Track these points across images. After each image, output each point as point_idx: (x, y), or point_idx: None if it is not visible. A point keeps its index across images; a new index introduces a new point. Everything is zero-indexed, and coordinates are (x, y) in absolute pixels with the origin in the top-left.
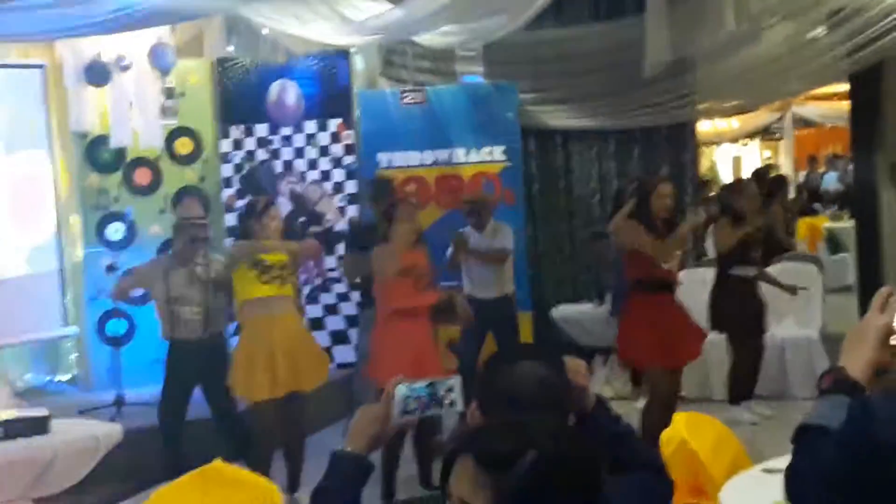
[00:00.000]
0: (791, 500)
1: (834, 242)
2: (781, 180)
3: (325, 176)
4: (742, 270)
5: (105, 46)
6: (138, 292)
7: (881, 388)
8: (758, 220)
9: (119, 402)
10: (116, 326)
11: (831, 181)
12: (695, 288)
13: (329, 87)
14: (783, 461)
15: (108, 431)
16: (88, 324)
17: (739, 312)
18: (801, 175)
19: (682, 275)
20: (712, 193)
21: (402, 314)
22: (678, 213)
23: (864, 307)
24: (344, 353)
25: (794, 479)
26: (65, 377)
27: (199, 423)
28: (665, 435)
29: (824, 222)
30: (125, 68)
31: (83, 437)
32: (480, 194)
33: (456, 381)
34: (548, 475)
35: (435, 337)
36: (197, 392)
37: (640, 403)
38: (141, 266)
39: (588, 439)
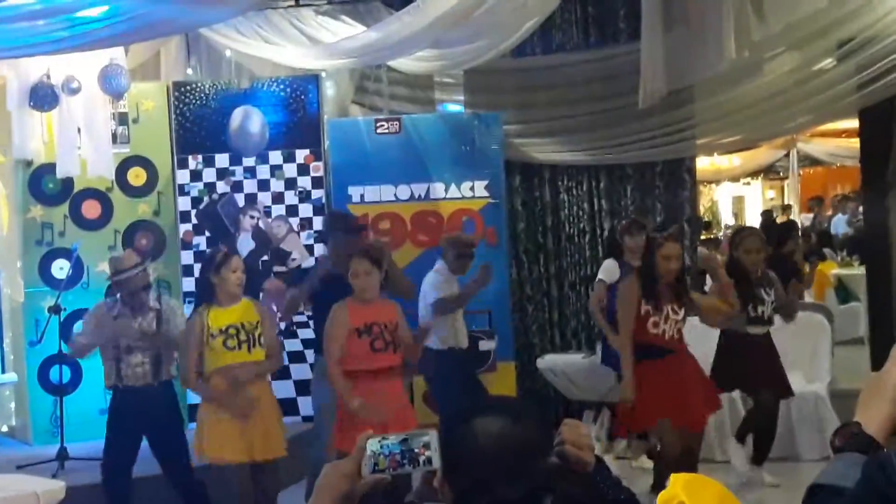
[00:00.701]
0: None
1: (843, 291)
2: (792, 226)
3: (292, 211)
4: (752, 328)
5: (52, 67)
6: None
7: None
8: (765, 277)
9: (62, 456)
10: (60, 373)
11: (840, 224)
12: (698, 338)
13: (297, 115)
14: None
15: (49, 488)
16: (29, 370)
17: (749, 371)
18: (806, 217)
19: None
20: (712, 236)
21: (363, 376)
22: (684, 274)
23: (876, 361)
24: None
25: None
26: (2, 428)
27: (147, 481)
28: (662, 497)
29: (833, 269)
30: (74, 91)
31: (22, 494)
32: (470, 237)
33: (432, 437)
34: None
35: (409, 392)
36: (144, 447)
37: (635, 462)
38: (90, 316)
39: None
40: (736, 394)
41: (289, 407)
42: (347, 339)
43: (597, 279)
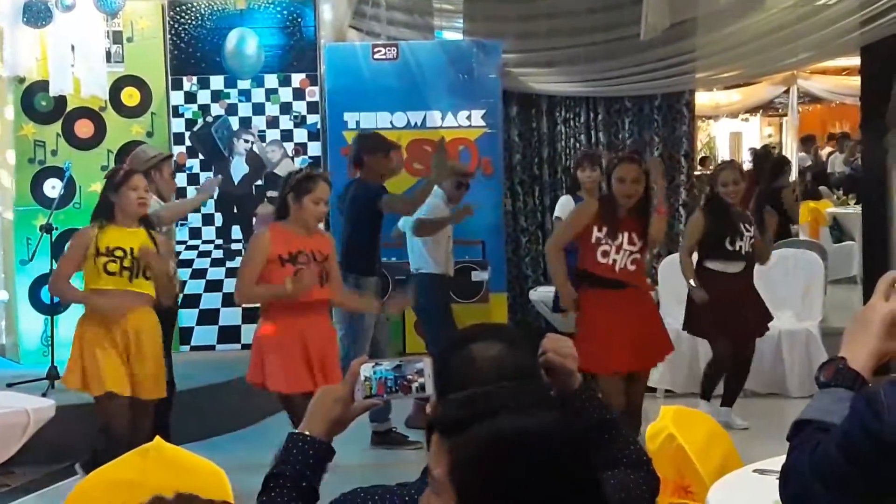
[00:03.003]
0: (787, 502)
1: (838, 229)
2: (784, 162)
3: (287, 136)
4: (721, 265)
5: None
6: None
7: (887, 381)
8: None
9: (52, 375)
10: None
11: (838, 163)
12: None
13: (293, 38)
14: (776, 462)
15: (39, 406)
16: (20, 289)
17: (712, 312)
18: (804, 158)
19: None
20: (708, 171)
21: (284, 309)
22: (650, 198)
23: (868, 300)
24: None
25: (791, 479)
26: None
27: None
28: (652, 429)
29: (828, 207)
30: (68, 8)
31: (12, 411)
32: (467, 166)
33: (426, 364)
34: (509, 444)
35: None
36: None
37: None
38: None
39: (573, 417)
40: None
41: (231, 335)
42: (268, 268)
43: (554, 217)
